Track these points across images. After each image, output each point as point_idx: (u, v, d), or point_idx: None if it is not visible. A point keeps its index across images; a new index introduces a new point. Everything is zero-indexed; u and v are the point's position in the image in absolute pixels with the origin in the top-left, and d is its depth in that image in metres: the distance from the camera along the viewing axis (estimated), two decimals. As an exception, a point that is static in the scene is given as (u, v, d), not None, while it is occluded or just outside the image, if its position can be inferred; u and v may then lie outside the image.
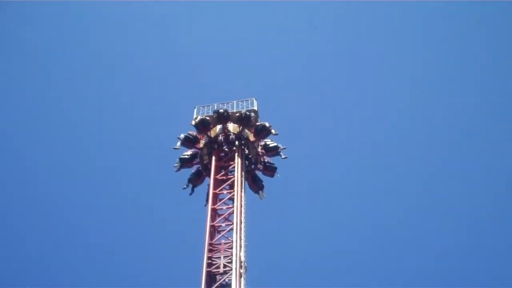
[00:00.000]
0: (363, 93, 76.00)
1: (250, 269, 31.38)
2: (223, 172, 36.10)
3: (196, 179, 37.83)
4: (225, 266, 30.90)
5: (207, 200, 35.27)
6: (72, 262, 68.49)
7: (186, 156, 38.04)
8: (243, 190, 34.84)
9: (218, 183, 35.47)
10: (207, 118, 37.73)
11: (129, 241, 69.74)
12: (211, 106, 38.59)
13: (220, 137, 37.36)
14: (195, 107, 38.85)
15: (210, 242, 32.21)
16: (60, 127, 73.40)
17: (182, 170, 38.05)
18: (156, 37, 78.13)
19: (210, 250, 31.75)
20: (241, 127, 37.46)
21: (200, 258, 31.39)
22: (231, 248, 31.55)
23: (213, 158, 36.74)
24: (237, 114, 37.64)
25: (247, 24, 78.75)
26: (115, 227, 70.65)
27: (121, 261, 68.88)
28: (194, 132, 38.03)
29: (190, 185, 37.84)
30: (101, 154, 73.36)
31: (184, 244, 59.00)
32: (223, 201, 34.63)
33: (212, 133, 37.49)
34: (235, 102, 38.70)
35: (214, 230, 33.12)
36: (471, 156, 71.69)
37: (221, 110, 37.61)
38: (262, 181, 38.35)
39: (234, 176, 35.37)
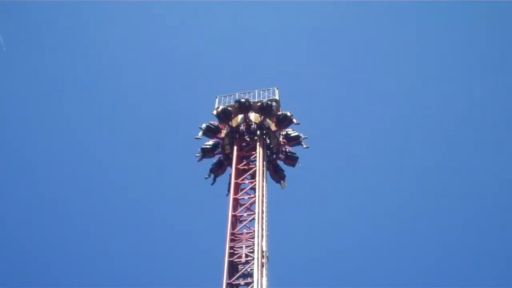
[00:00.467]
0: (387, 82, 75.63)
1: (271, 259, 31.35)
2: (244, 162, 36.03)
3: (218, 169, 37.80)
4: (247, 255, 30.87)
5: (228, 190, 35.24)
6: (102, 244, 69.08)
7: (208, 146, 38.03)
8: (264, 180, 34.74)
9: (239, 173, 35.43)
10: (229, 108, 37.68)
11: (152, 230, 70.17)
12: (232, 95, 38.54)
13: (242, 127, 37.27)
14: (216, 97, 38.83)
15: (232, 232, 32.20)
16: (79, 119, 73.86)
17: (204, 160, 38.11)
18: (179, 28, 78.33)
19: (232, 240, 31.75)
20: (262, 117, 37.34)
21: (222, 248, 31.44)
22: (253, 238, 31.51)
23: (235, 148, 36.67)
24: (259, 104, 37.52)
25: (269, 13, 78.43)
26: (138, 216, 71.12)
27: (143, 251, 69.32)
28: (215, 122, 38.00)
29: (212, 175, 37.83)
30: (124, 144, 73.86)
31: (206, 233, 59.26)
32: (244, 190, 34.57)
33: (234, 123, 37.42)
34: (256, 91, 38.60)
35: (236, 220, 33.10)
36: (476, 156, 71.44)
37: (243, 100, 37.50)
38: (283, 171, 38.26)
39: (255, 166, 35.27)
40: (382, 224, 69.88)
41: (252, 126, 37.24)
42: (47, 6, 73.05)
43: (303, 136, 38.32)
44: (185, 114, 68.27)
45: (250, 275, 30.03)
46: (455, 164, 71.60)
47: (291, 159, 38.28)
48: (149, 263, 68.37)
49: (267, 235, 32.05)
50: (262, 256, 30.68)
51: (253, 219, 32.59)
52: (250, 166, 35.68)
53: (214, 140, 38.13)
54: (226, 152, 37.42)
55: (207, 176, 37.90)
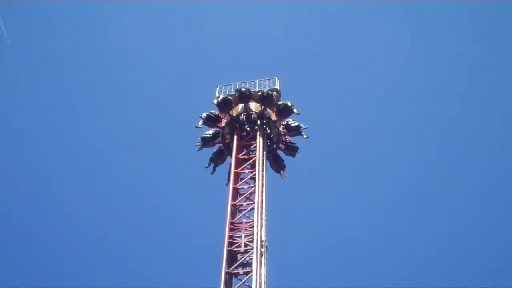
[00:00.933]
0: (388, 71, 75.52)
1: (271, 248, 31.40)
2: (244, 152, 36.03)
3: (218, 158, 37.80)
4: (246, 245, 30.89)
5: (228, 179, 35.25)
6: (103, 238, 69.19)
7: (208, 135, 37.99)
8: (264, 170, 34.73)
9: (239, 162, 35.42)
10: (229, 97, 37.60)
11: (151, 219, 70.25)
12: (233, 85, 38.45)
13: (242, 116, 37.22)
14: (217, 86, 38.73)
15: (232, 221, 32.20)
16: (78, 111, 73.79)
17: (204, 149, 38.05)
18: (179, 16, 78.17)
19: (231, 229, 31.76)
20: (263, 106, 37.27)
21: (221, 237, 31.48)
22: (252, 227, 31.52)
23: (235, 137, 36.63)
24: (259, 93, 37.45)
25: (271, 2, 78.21)
26: (136, 206, 71.18)
27: (142, 240, 69.42)
28: (216, 111, 37.93)
29: (212, 164, 37.83)
30: (123, 133, 73.84)
31: (205, 223, 59.33)
32: (244, 180, 34.56)
33: (234, 112, 37.36)
34: (257, 81, 38.50)
35: (236, 209, 33.11)
36: (477, 156, 71.48)
37: (243, 89, 37.44)
38: (283, 161, 38.23)
39: (255, 156, 35.25)
40: (382, 215, 70.00)
41: (252, 116, 37.18)
42: (47, 6, 73.02)
43: (303, 126, 38.27)
44: (186, 103, 68.28)
45: (249, 264, 30.03)
46: (456, 162, 71.70)
47: (291, 149, 38.26)
48: (148, 252, 68.52)
49: (267, 225, 32.09)
50: (261, 246, 30.71)
51: (253, 208, 32.59)
52: (250, 156, 35.68)
53: (214, 129, 38.10)
54: (226, 141, 37.41)
55: (207, 165, 37.91)
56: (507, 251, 64.85)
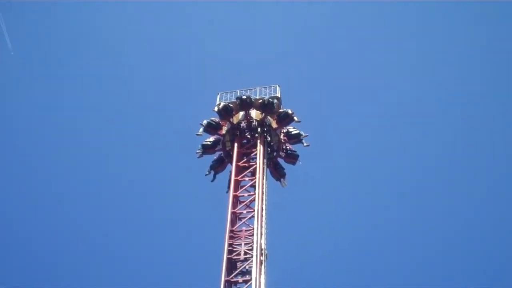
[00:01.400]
0: (389, 80, 75.49)
1: (270, 257, 31.26)
2: (245, 159, 35.97)
3: (218, 166, 37.73)
4: (245, 253, 30.78)
5: (228, 187, 35.17)
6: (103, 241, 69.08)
7: (209, 143, 37.96)
8: (264, 177, 34.66)
9: (240, 170, 35.36)
10: (230, 104, 37.58)
11: (151, 226, 70.11)
12: (234, 92, 38.43)
13: (243, 124, 37.22)
14: (218, 93, 38.71)
15: (231, 229, 32.11)
16: (78, 114, 73.82)
17: (204, 156, 38.01)
18: (179, 24, 78.27)
19: (231, 237, 31.67)
20: (263, 114, 37.25)
21: (221, 245, 31.37)
22: (252, 235, 31.43)
23: (235, 144, 36.59)
24: (260, 101, 37.42)
25: (272, 10, 78.31)
26: (137, 212, 71.08)
27: (142, 247, 69.30)
28: (216, 119, 37.90)
29: (212, 172, 37.77)
30: (124, 140, 73.83)
31: (205, 230, 59.17)
32: (244, 188, 34.49)
33: (235, 120, 37.33)
34: (258, 88, 38.48)
35: (236, 217, 33.02)
36: (478, 156, 71.50)
37: (244, 97, 37.43)
38: (284, 169, 38.15)
39: (256, 163, 35.20)
40: (383, 223, 69.86)
41: (253, 123, 37.17)
42: (49, 5, 73.11)
43: (304, 134, 38.23)
44: (186, 110, 68.22)
45: (249, 272, 29.89)
46: (458, 163, 71.68)
47: (292, 157, 38.19)
48: (148, 259, 68.34)
49: (266, 233, 31.99)
50: (261, 254, 30.62)
51: (253, 216, 32.49)
52: (251, 164, 35.62)
53: (214, 137, 38.06)
54: (227, 149, 37.36)
55: (207, 172, 37.86)
56: (507, 251, 64.90)
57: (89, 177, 71.29)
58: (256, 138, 36.60)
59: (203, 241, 60.86)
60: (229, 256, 30.76)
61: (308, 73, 76.91)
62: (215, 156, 38.02)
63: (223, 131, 37.55)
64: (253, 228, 31.74)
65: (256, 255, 30.27)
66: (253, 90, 38.37)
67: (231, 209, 33.08)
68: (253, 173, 34.88)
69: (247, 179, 34.89)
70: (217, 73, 72.84)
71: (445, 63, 74.50)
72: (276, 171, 37.88)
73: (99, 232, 69.03)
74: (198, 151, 37.97)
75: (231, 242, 31.44)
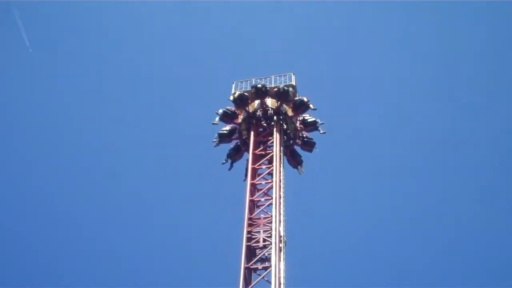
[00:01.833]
0: (405, 66, 75.29)
1: (289, 243, 31.50)
2: (261, 147, 36.14)
3: (235, 154, 37.95)
4: (264, 240, 31.01)
5: (246, 175, 35.40)
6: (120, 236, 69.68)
7: (225, 131, 38.14)
8: (282, 165, 34.80)
9: (257, 158, 35.55)
10: (245, 93, 37.71)
11: (170, 215, 70.60)
12: (249, 81, 38.53)
13: (259, 112, 37.33)
14: (233, 82, 38.83)
15: (250, 216, 32.34)
16: (97, 103, 74.28)
17: (221, 145, 38.22)
18: (195, 13, 78.29)
19: (249, 225, 31.90)
20: (279, 102, 37.35)
21: (240, 232, 31.62)
22: (271, 222, 31.63)
23: (252, 133, 36.76)
24: (275, 89, 37.51)
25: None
26: (157, 200, 71.57)
27: (163, 234, 69.81)
28: (232, 107, 38.06)
29: (229, 160, 37.99)
30: (141, 130, 74.21)
31: (223, 218, 59.48)
32: (262, 176, 34.68)
33: (251, 108, 37.48)
34: (273, 77, 38.57)
35: (254, 205, 33.26)
36: (480, 156, 71.20)
37: (259, 85, 37.52)
38: (300, 156, 38.30)
39: (272, 151, 35.37)
40: (400, 206, 69.82)
41: (268, 112, 37.28)
42: (51, 5, 73.40)
43: (320, 122, 38.32)
44: (202, 99, 68.44)
45: (268, 259, 30.13)
46: (471, 163, 71.53)
47: (308, 145, 38.31)
48: (168, 248, 68.87)
49: (285, 220, 32.18)
50: (280, 241, 30.84)
51: (271, 204, 32.71)
52: (267, 152, 35.79)
53: (231, 126, 38.24)
54: (243, 137, 37.56)
55: (224, 161, 38.08)
56: (507, 251, 64.76)
57: (104, 170, 71.87)
58: (272, 126, 36.72)
59: (222, 228, 61.05)
60: (248, 244, 31.00)
61: (323, 60, 76.86)
62: (231, 144, 38.25)
63: (239, 120, 37.73)
64: (271, 216, 31.94)
65: (275, 242, 30.51)
66: (268, 78, 38.48)
67: (249, 197, 33.32)
68: (270, 161, 35.04)
69: (264, 167, 35.07)
70: (232, 62, 73.06)
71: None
72: (293, 159, 38.03)
73: (119, 218, 69.66)
74: (214, 140, 38.19)
75: (250, 229, 31.67)
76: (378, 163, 72.33)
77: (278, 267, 29.59)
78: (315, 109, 38.14)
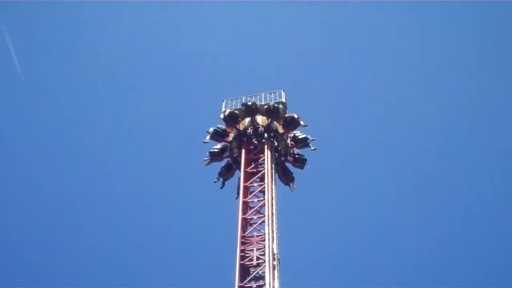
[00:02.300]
0: (394, 82, 75.62)
1: (282, 261, 31.37)
2: (253, 165, 36.10)
3: (227, 173, 37.87)
4: (258, 258, 30.89)
5: (238, 193, 35.34)
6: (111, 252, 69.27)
7: (216, 150, 38.08)
8: (273, 183, 34.75)
9: (248, 176, 35.48)
10: (236, 111, 37.73)
11: (163, 235, 70.28)
12: (239, 99, 38.57)
13: (249, 130, 37.32)
14: (223, 101, 38.87)
15: (243, 234, 32.24)
16: (91, 122, 74.10)
17: (212, 163, 38.13)
18: (185, 30, 78.49)
19: (242, 243, 31.79)
20: (269, 119, 37.36)
21: (233, 251, 31.50)
22: (264, 240, 31.54)
23: (243, 151, 36.71)
24: (266, 107, 37.55)
25: (276, 15, 78.55)
26: (148, 221, 71.26)
27: (154, 254, 69.44)
28: (223, 126, 38.05)
29: (221, 179, 37.88)
30: (131, 149, 74.02)
31: (216, 237, 59.32)
32: (254, 193, 34.61)
33: (241, 126, 37.47)
34: (263, 94, 38.62)
35: (246, 223, 33.17)
36: (480, 156, 71.54)
37: (250, 103, 37.56)
38: (292, 173, 38.26)
39: (264, 169, 35.32)
40: (392, 225, 69.88)
41: (259, 129, 37.27)
42: (48, 5, 73.48)
43: (311, 138, 38.34)
44: (192, 118, 68.41)
45: (262, 277, 29.99)
46: (469, 163, 71.77)
47: (300, 161, 38.30)
48: (160, 268, 68.45)
49: (278, 238, 32.09)
50: (273, 259, 30.72)
51: (263, 221, 32.62)
52: (259, 169, 35.74)
53: (222, 144, 38.20)
54: (234, 155, 37.50)
55: (216, 180, 37.98)
56: (507, 251, 64.92)
57: (95, 188, 71.69)
58: (263, 144, 36.71)
59: (215, 248, 61.00)
60: (242, 262, 30.87)
61: (313, 76, 77.14)
62: (223, 163, 38.16)
63: (230, 138, 37.70)
64: (264, 233, 31.85)
65: (269, 260, 30.38)
66: (258, 96, 38.51)
67: (241, 215, 33.23)
68: (262, 179, 35.00)
69: (256, 184, 35.01)
70: (222, 80, 73.13)
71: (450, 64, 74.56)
72: (284, 176, 37.99)
73: (111, 242, 69.28)
74: (205, 158, 38.11)
75: (243, 248, 31.55)
76: (369, 179, 72.47)
77: (272, 285, 29.45)
78: (305, 126, 38.19)
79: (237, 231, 32.35)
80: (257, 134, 37.19)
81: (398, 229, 70.32)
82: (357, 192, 72.12)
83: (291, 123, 37.88)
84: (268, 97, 38.39)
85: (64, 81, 73.86)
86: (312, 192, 61.23)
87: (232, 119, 37.55)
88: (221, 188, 37.90)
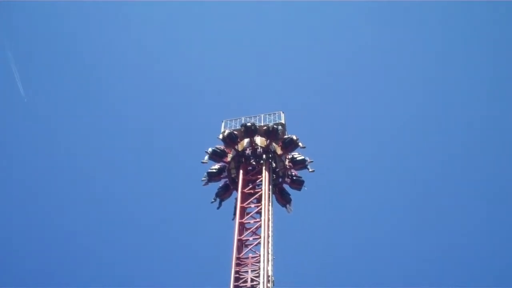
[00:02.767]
0: (392, 105, 75.74)
1: (277, 283, 31.18)
2: (250, 186, 36.04)
3: (224, 193, 37.81)
4: (252, 280, 30.77)
5: (234, 214, 35.22)
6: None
7: (214, 170, 38.04)
8: (270, 204, 34.70)
9: (245, 197, 35.42)
10: (235, 132, 37.73)
11: (159, 254, 69.98)
12: (238, 119, 38.61)
13: (248, 151, 37.33)
14: (222, 121, 38.90)
15: (238, 256, 32.14)
16: (87, 135, 74.13)
17: (210, 184, 38.11)
18: (185, 50, 78.79)
19: (237, 264, 31.67)
20: (268, 141, 37.38)
21: (228, 272, 31.31)
22: (259, 262, 31.43)
23: (241, 171, 36.70)
24: (265, 128, 37.58)
25: (274, 37, 78.92)
26: (145, 240, 71.00)
27: (149, 274, 69.09)
28: (221, 146, 38.06)
29: (218, 199, 37.84)
30: (130, 169, 73.96)
31: (211, 258, 59.07)
32: (250, 214, 34.55)
33: (240, 147, 37.48)
34: (262, 115, 38.67)
35: (242, 244, 33.06)
36: (479, 157, 71.61)
37: (249, 124, 37.59)
38: (289, 195, 38.20)
39: (261, 190, 35.29)
40: (390, 248, 69.60)
41: (258, 150, 37.27)
42: (46, 6, 73.77)
43: (309, 160, 38.31)
44: (191, 138, 68.44)
45: (256, 299, 29.90)
46: (459, 166, 71.86)
47: (297, 183, 38.23)
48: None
49: (273, 260, 31.95)
50: (268, 281, 30.56)
51: (259, 243, 32.51)
52: (256, 190, 35.70)
53: (220, 164, 38.16)
54: (232, 176, 37.46)
55: (213, 200, 37.92)
56: (507, 251, 64.73)
57: (93, 208, 71.51)
58: (261, 165, 36.69)
59: (210, 269, 60.67)
60: (236, 284, 30.75)
61: (312, 99, 77.27)
62: (220, 183, 38.12)
63: (228, 159, 37.68)
64: (260, 255, 31.72)
65: (263, 282, 30.23)
66: (257, 117, 38.56)
67: (237, 236, 33.13)
68: (259, 200, 34.94)
69: (253, 205, 34.94)
70: (221, 101, 73.29)
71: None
72: (281, 197, 37.93)
73: (106, 264, 69.04)
74: (203, 178, 38.07)
75: (238, 269, 31.43)
76: (367, 203, 72.33)
77: (266, 307, 29.28)
78: (304, 147, 38.20)
79: (233, 252, 32.21)
80: (255, 155, 37.18)
81: (396, 251, 70.02)
82: (354, 216, 71.98)
83: (290, 145, 37.89)
84: (267, 118, 38.44)
85: (61, 85, 74.01)
86: (309, 214, 61.07)
87: (231, 139, 37.54)
88: (218, 208, 37.89)
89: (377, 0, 73.51)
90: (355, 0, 74.03)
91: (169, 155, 73.87)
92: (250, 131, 37.44)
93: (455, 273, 66.20)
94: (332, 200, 69.85)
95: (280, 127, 37.74)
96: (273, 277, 31.05)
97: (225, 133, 37.73)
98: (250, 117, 38.56)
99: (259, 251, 32.00)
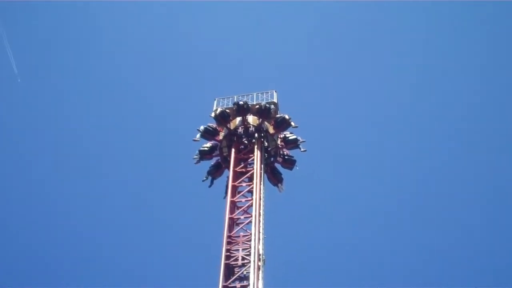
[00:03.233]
0: (386, 84, 75.69)
1: (268, 262, 31.31)
2: (242, 165, 36.01)
3: (216, 172, 37.78)
4: (243, 258, 30.79)
5: (226, 193, 35.22)
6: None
7: (206, 148, 37.98)
8: (262, 183, 34.68)
9: (237, 176, 35.38)
10: (227, 110, 37.61)
11: (149, 232, 70.09)
12: (231, 98, 38.50)
13: (240, 129, 37.25)
14: (215, 99, 38.75)
15: (229, 234, 32.13)
16: (78, 120, 73.89)
17: (202, 162, 38.04)
18: (177, 29, 78.38)
19: (228, 243, 31.68)
20: (260, 120, 37.29)
21: (218, 250, 31.37)
22: (250, 240, 31.46)
23: (233, 150, 36.63)
24: (257, 106, 37.46)
25: (268, 14, 78.56)
26: (135, 217, 71.08)
27: (141, 254, 69.28)
28: (213, 124, 37.94)
29: (210, 178, 37.80)
30: (122, 146, 73.85)
31: (202, 236, 59.20)
32: (242, 193, 34.53)
33: (232, 125, 37.38)
34: (255, 94, 38.56)
35: (233, 223, 33.06)
36: (477, 157, 71.73)
37: (241, 102, 37.47)
38: (281, 174, 38.20)
39: (253, 169, 35.25)
40: (381, 226, 69.89)
41: (250, 129, 37.20)
42: (45, 6, 73.27)
43: (301, 140, 38.28)
44: (183, 116, 68.31)
45: (246, 278, 29.91)
46: (455, 166, 71.92)
47: (289, 162, 38.23)
48: (146, 265, 68.33)
49: (264, 238, 32.02)
50: (259, 259, 30.64)
51: (250, 222, 32.53)
52: (248, 169, 35.65)
53: (212, 143, 38.09)
54: (224, 154, 37.40)
55: (204, 178, 37.87)
56: (507, 251, 65.07)
57: (87, 182, 71.49)
58: (253, 144, 36.64)
59: (200, 247, 60.87)
60: (227, 262, 30.76)
61: (305, 77, 77.18)
62: (212, 161, 38.07)
63: (220, 137, 37.60)
64: (251, 234, 31.76)
65: (254, 261, 30.29)
66: (250, 95, 38.44)
67: (228, 215, 33.12)
68: (251, 179, 34.91)
69: (244, 184, 34.92)
70: (214, 78, 73.02)
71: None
72: (273, 177, 37.91)
73: (98, 235, 69.17)
74: (195, 157, 37.99)
75: (228, 247, 31.43)
76: (359, 182, 72.51)
77: (256, 286, 29.37)
78: (296, 127, 38.15)
79: (224, 230, 32.24)
80: (247, 133, 37.12)
81: (389, 231, 70.30)
82: (346, 195, 72.20)
83: (282, 124, 37.83)
84: (260, 97, 38.33)
85: (59, 81, 73.70)
86: (300, 194, 61.24)
87: (223, 118, 37.43)
88: (210, 186, 37.86)
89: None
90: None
91: (160, 133, 73.78)
92: (242, 109, 37.33)
93: (455, 273, 66.47)
94: (323, 180, 69.96)
95: (272, 106, 37.62)
96: (264, 256, 31.10)
97: (217, 111, 37.59)
98: (243, 96, 38.43)
99: (250, 230, 32.00)
